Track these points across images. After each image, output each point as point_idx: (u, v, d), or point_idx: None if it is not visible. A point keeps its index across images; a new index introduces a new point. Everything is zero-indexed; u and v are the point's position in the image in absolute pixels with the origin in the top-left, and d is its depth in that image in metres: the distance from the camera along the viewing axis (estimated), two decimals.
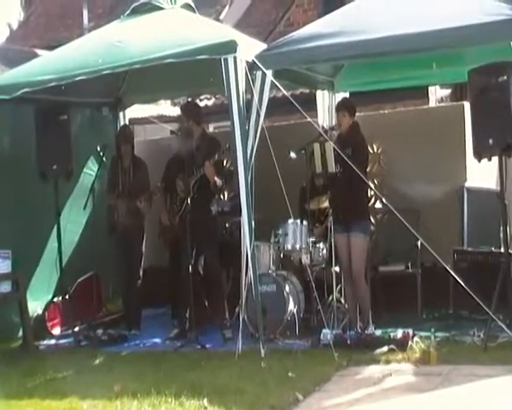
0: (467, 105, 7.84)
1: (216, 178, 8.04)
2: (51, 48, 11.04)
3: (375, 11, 7.45)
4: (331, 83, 9.21)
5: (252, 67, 7.24)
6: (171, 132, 11.35)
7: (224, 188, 8.76)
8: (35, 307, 8.67)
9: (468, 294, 6.59)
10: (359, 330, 7.41)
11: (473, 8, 6.90)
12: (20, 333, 8.35)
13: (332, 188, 7.81)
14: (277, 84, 7.19)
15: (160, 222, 8.64)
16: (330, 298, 7.84)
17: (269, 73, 7.19)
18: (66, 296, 8.84)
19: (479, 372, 6.07)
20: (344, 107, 7.76)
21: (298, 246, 8.11)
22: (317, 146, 7.53)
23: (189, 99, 10.27)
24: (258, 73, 7.22)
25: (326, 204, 8.21)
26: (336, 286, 7.81)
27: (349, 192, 7.48)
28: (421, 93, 11.27)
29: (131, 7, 8.82)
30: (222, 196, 9.63)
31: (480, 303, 6.57)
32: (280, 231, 8.20)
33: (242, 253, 7.21)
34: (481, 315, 6.89)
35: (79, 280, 9.16)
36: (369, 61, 8.12)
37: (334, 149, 7.31)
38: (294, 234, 8.11)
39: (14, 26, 24.15)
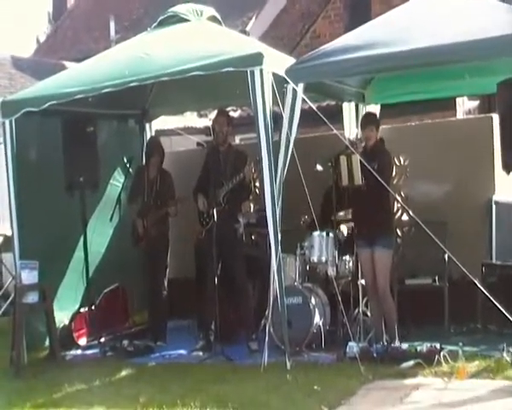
0: (495, 117, 7.77)
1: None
2: (78, 60, 11.14)
3: (405, 23, 7.42)
4: (361, 95, 9.17)
5: (283, 80, 7.21)
6: (198, 144, 11.40)
7: (251, 200, 8.73)
8: (61, 317, 8.70)
9: (497, 308, 6.52)
10: (385, 344, 7.36)
11: (504, 20, 6.85)
12: (47, 343, 8.38)
13: (356, 202, 7.76)
14: (306, 99, 7.16)
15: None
16: (356, 311, 7.80)
17: (299, 87, 7.16)
18: (93, 307, 8.91)
19: (508, 389, 5.99)
20: (371, 122, 7.74)
21: (324, 258, 8.06)
22: (343, 159, 7.47)
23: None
24: (289, 87, 7.18)
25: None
26: (362, 299, 7.77)
27: (373, 207, 7.43)
28: (449, 105, 11.20)
29: (158, 19, 8.86)
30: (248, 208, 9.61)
31: (509, 318, 6.49)
32: (306, 244, 8.18)
33: (271, 265, 7.18)
34: (510, 330, 6.83)
35: (105, 291, 9.19)
36: (399, 73, 8.09)
37: (360, 161, 7.28)
38: (320, 246, 8.07)
39: (42, 39, 24.46)
